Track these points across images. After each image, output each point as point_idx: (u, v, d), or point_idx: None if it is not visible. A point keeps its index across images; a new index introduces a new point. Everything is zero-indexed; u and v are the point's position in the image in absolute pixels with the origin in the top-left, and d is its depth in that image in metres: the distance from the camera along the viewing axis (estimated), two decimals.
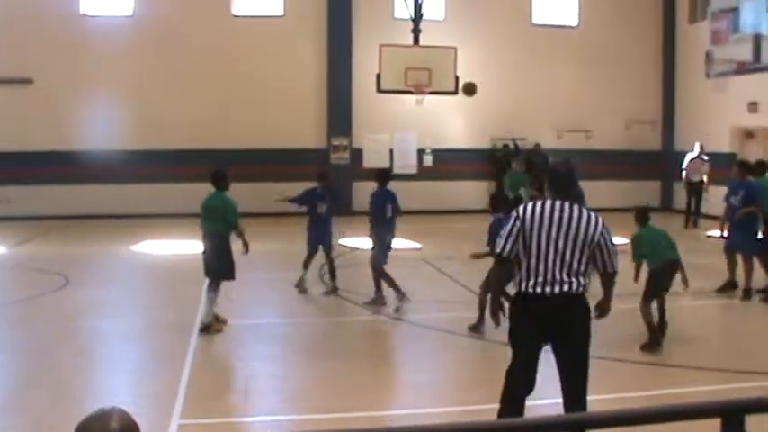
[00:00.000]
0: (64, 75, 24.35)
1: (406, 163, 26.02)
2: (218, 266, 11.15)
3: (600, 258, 6.21)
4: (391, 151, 25.96)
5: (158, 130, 24.64)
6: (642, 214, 10.96)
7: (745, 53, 18.44)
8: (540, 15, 27.95)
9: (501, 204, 11.37)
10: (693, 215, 22.94)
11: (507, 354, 6.43)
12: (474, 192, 26.73)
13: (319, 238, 13.87)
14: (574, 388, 6.19)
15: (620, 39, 27.89)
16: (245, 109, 25.38)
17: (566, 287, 6.02)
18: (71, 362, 9.66)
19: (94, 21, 24.99)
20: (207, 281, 11.31)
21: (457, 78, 22.91)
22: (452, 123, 26.69)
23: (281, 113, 25.64)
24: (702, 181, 22.58)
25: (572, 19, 28.15)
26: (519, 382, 6.20)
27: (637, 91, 28.23)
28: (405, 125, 26.05)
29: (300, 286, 13.73)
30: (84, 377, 9.29)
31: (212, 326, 10.94)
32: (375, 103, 25.12)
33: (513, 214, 6.24)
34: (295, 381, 9.31)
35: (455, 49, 23.22)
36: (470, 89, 23.03)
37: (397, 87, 22.75)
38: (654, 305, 10.32)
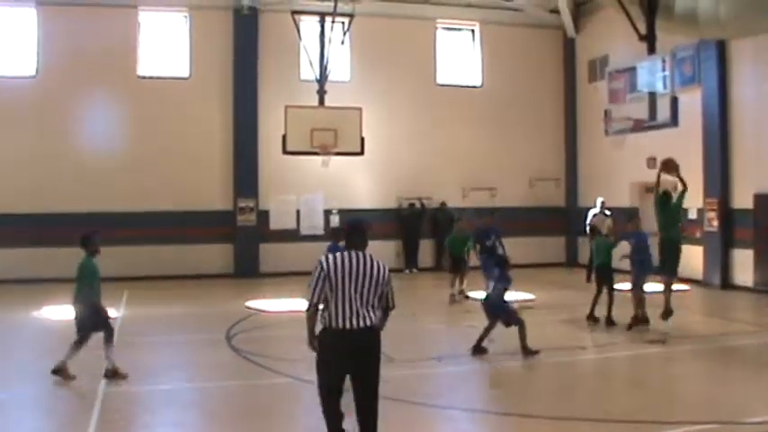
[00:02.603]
0: None
1: (312, 224, 25.92)
2: (93, 325, 11.62)
3: (386, 297, 7.48)
4: (298, 212, 25.85)
5: (60, 193, 24.09)
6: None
7: (641, 111, 18.93)
8: (445, 76, 28.41)
9: None
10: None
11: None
12: (382, 251, 26.57)
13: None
14: (368, 415, 7.38)
15: (523, 98, 28.52)
16: (150, 171, 25.05)
17: (362, 323, 7.20)
18: None
19: None
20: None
21: (362, 139, 23.06)
22: (358, 183, 26.77)
23: (187, 175, 25.40)
24: (606, 235, 22.91)
25: (475, 79, 28.66)
26: (332, 416, 7.45)
27: (540, 149, 28.83)
28: (311, 186, 26.02)
29: None
30: None
31: (117, 372, 11.39)
32: (281, 164, 25.07)
33: (318, 266, 7.30)
34: None
35: (360, 109, 23.42)
36: None
37: (303, 148, 22.77)
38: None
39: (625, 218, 18.54)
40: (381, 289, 7.36)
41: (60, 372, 11.42)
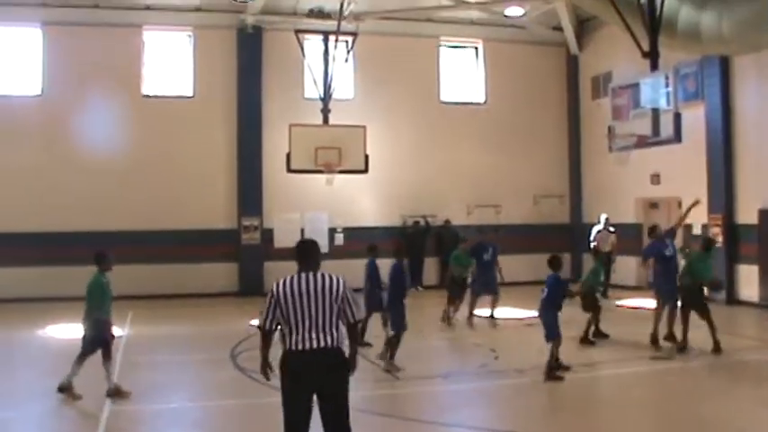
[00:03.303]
0: None
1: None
2: (93, 342, 11.76)
3: (346, 311, 7.16)
4: (302, 230, 25.75)
5: (65, 211, 24.14)
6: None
7: (644, 127, 18.94)
8: (448, 93, 28.47)
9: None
10: (602, 285, 23.26)
11: None
12: (387, 269, 26.62)
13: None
14: None
15: (527, 115, 28.54)
16: (155, 189, 25.12)
17: (322, 342, 6.97)
18: None
19: (1, 101, 24.55)
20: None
21: (366, 157, 23.09)
22: (363, 202, 26.78)
23: (192, 194, 25.45)
24: (610, 252, 22.93)
25: (479, 96, 28.72)
26: None
27: (544, 165, 28.83)
28: (315, 204, 26.04)
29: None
30: None
31: (120, 391, 11.46)
32: (285, 183, 25.11)
33: (270, 292, 7.15)
34: None
35: (364, 127, 23.48)
36: None
37: (308, 167, 22.81)
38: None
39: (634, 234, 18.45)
40: (339, 306, 7.13)
41: (66, 390, 11.48)
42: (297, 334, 6.98)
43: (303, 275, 7.19)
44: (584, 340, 15.71)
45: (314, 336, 6.97)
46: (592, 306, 15.92)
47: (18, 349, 16.42)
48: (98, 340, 11.74)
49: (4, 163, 24.05)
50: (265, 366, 7.40)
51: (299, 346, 6.96)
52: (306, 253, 7.41)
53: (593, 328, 15.94)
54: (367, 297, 15.52)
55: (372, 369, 13.26)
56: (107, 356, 11.71)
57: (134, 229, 24.43)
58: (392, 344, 13.57)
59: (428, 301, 24.57)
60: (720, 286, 16.85)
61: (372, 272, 15.89)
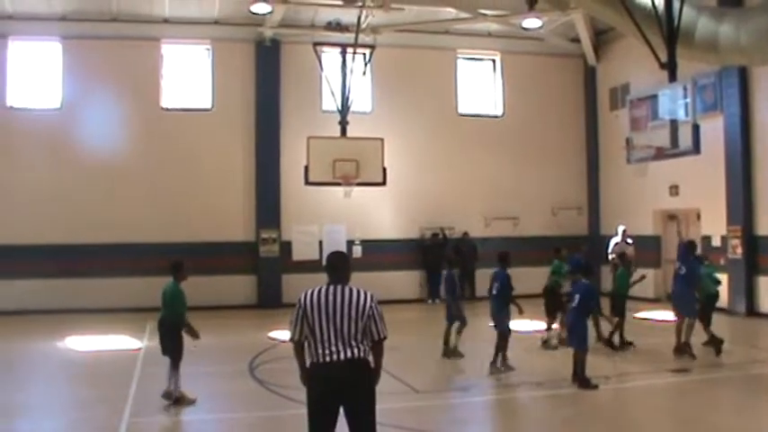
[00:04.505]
0: None
1: None
2: (164, 348, 12.06)
3: (372, 328, 7.06)
4: (320, 243, 25.78)
5: (84, 225, 24.31)
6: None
7: (663, 139, 18.86)
8: (466, 106, 28.47)
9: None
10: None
11: None
12: (405, 281, 26.79)
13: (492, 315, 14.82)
14: None
15: (545, 127, 28.52)
16: (173, 202, 25.25)
17: (348, 354, 6.91)
18: None
19: (21, 114, 24.78)
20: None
21: (384, 169, 23.12)
22: (381, 214, 26.78)
23: (210, 206, 25.53)
24: (628, 264, 22.77)
25: (497, 109, 28.72)
26: None
27: (562, 177, 28.78)
28: (333, 217, 26.06)
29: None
30: None
31: (183, 398, 11.77)
32: (304, 195, 25.16)
33: (297, 303, 7.11)
34: None
35: (382, 140, 23.51)
36: None
37: (325, 179, 22.84)
38: None
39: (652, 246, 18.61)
40: (365, 322, 7.01)
41: (180, 400, 11.75)
42: (322, 346, 6.92)
43: (331, 287, 7.11)
44: (608, 342, 16.15)
45: (340, 348, 6.90)
46: (621, 311, 16.31)
47: (36, 361, 16.46)
48: (168, 347, 12.02)
49: (24, 176, 24.25)
50: (304, 375, 7.29)
51: (325, 359, 6.90)
52: (336, 265, 7.30)
53: (616, 335, 16.35)
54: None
55: (392, 381, 13.25)
56: (175, 366, 11.91)
57: (153, 242, 24.50)
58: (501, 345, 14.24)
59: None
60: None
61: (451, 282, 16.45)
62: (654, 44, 15.67)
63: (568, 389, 12.66)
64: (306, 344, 7.14)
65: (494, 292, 14.44)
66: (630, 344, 16.37)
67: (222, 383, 13.74)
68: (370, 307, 7.07)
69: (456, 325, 15.72)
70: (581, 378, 12.63)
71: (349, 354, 6.90)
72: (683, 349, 15.30)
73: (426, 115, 27.43)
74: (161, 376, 11.74)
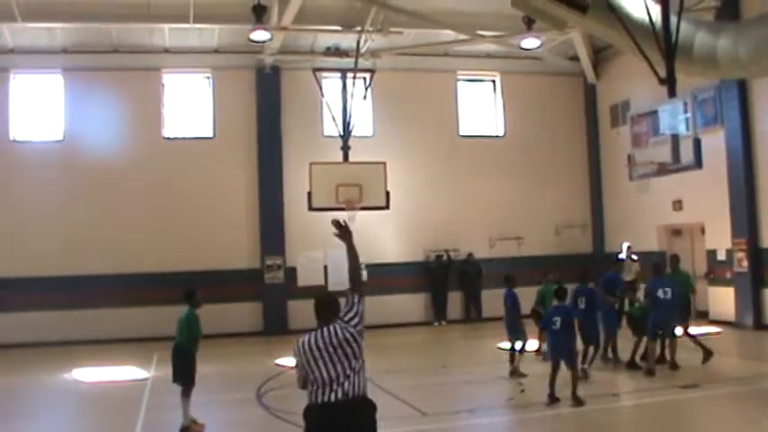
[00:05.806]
0: None
1: (340, 280, 25.69)
2: (176, 373, 12.19)
3: (355, 315, 7.14)
4: (325, 268, 25.81)
5: (88, 255, 24.34)
6: None
7: (665, 154, 18.86)
8: (467, 127, 28.54)
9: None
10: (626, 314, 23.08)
11: None
12: (410, 305, 26.76)
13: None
14: None
15: (546, 146, 28.56)
16: (177, 231, 25.28)
17: (344, 393, 6.78)
18: None
19: (24, 146, 24.93)
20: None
21: (387, 193, 23.11)
22: (385, 238, 26.75)
23: (214, 234, 25.56)
24: (634, 280, 22.75)
25: (498, 129, 28.77)
26: None
27: (565, 196, 28.79)
28: (338, 242, 25.83)
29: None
30: None
31: (190, 427, 11.72)
32: (307, 221, 25.07)
33: (294, 349, 7.06)
34: None
35: (384, 163, 23.45)
36: None
37: (329, 204, 22.75)
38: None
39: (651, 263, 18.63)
40: (354, 348, 6.91)
41: (187, 429, 11.82)
42: (319, 388, 6.84)
43: (322, 331, 7.02)
44: (631, 365, 16.11)
45: (335, 387, 6.80)
46: (641, 330, 16.26)
47: (43, 393, 16.41)
48: (180, 374, 12.12)
49: (27, 208, 24.32)
50: None
51: (323, 399, 6.82)
52: (321, 307, 7.25)
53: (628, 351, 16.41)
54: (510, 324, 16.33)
55: (399, 405, 13.21)
56: (186, 393, 11.98)
57: (158, 271, 24.54)
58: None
59: (452, 334, 24.57)
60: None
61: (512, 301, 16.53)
62: (652, 60, 15.69)
63: (570, 408, 12.63)
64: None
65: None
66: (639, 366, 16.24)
67: (230, 411, 13.71)
68: (352, 332, 6.98)
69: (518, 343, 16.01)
70: (573, 395, 12.72)
71: (345, 393, 6.80)
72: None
73: (428, 137, 27.50)
74: (169, 406, 11.73)
